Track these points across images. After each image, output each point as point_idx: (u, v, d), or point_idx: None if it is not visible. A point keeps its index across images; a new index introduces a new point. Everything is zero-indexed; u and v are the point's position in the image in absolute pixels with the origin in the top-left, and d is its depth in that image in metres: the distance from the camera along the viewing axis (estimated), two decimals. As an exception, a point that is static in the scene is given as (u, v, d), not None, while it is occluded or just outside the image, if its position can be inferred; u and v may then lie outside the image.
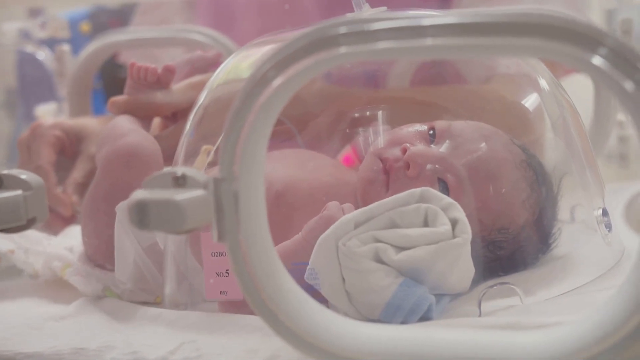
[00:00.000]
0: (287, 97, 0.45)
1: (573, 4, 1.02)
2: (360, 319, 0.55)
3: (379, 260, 0.56)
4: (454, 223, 0.56)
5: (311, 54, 0.44)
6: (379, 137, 0.68)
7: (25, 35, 1.45)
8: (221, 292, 0.61)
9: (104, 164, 0.73)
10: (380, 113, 0.70)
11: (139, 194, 0.44)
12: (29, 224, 0.54)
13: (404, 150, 0.63)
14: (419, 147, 0.63)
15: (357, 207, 0.59)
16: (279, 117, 0.46)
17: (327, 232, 0.56)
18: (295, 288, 0.47)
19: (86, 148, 0.93)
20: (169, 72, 0.81)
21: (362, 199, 0.64)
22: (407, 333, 0.46)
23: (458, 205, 0.57)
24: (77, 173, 0.91)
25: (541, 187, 0.66)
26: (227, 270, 0.61)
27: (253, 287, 0.46)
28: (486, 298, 0.58)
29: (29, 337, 0.63)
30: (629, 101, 0.40)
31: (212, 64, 0.88)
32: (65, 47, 1.21)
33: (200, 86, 0.76)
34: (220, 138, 0.61)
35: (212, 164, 0.68)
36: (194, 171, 0.45)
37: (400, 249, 0.56)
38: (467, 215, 0.57)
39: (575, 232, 0.69)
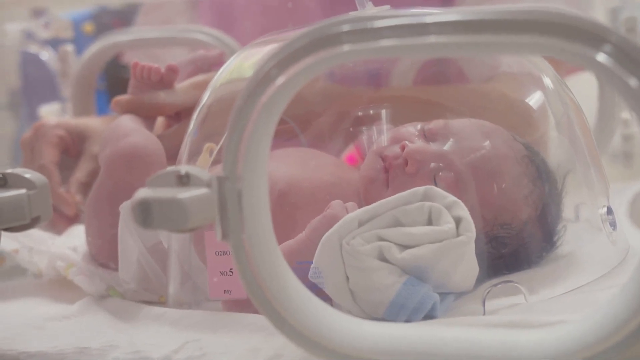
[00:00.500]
0: (290, 95, 0.45)
1: (576, 2, 1.01)
2: (364, 317, 0.55)
3: (383, 258, 0.56)
4: (458, 221, 0.56)
5: (314, 53, 0.44)
6: (381, 136, 0.68)
7: (29, 36, 1.46)
8: (225, 291, 0.61)
9: (107, 164, 0.74)
10: (383, 112, 0.70)
11: (142, 193, 0.44)
12: (33, 223, 0.54)
13: (403, 148, 0.63)
14: (418, 144, 0.64)
15: (360, 206, 0.59)
16: (282, 117, 0.46)
17: (331, 230, 0.56)
18: (299, 286, 0.47)
19: (89, 147, 0.93)
20: (172, 71, 0.81)
21: (364, 197, 0.64)
22: (411, 331, 0.46)
23: (462, 204, 0.57)
24: (80, 172, 0.91)
25: (544, 184, 0.66)
26: (231, 269, 0.61)
27: (257, 286, 0.46)
28: (490, 296, 0.58)
29: (33, 336, 0.63)
30: (633, 98, 0.39)
31: (215, 63, 0.88)
32: (69, 48, 1.21)
33: (203, 85, 0.76)
34: (224, 137, 0.61)
35: (215, 162, 0.68)
36: (197, 170, 0.45)
37: (404, 247, 0.56)
38: (469, 211, 0.56)
39: (580, 231, 0.69)
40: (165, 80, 0.81)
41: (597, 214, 0.68)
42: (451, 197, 0.57)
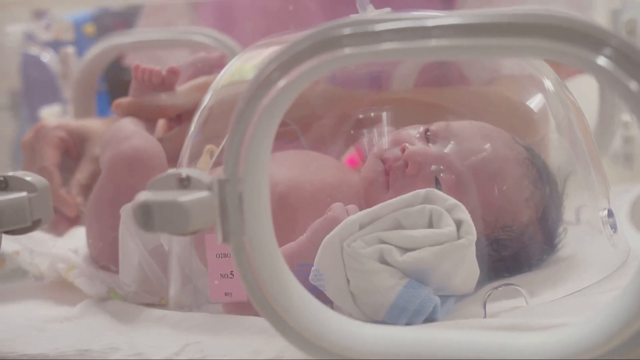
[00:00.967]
0: (292, 98, 0.45)
1: (577, 5, 1.01)
2: (364, 320, 0.55)
3: (384, 261, 0.56)
4: (459, 224, 0.56)
5: (315, 55, 0.44)
6: (381, 138, 0.68)
7: (30, 38, 1.46)
8: (226, 294, 0.61)
9: (108, 167, 0.74)
10: (384, 115, 0.70)
11: (143, 196, 0.44)
12: (34, 226, 0.54)
13: (404, 150, 0.63)
14: (418, 146, 0.64)
15: (360, 209, 0.59)
16: (283, 119, 0.46)
17: (332, 233, 0.56)
18: (300, 289, 0.47)
19: (90, 149, 0.93)
20: (174, 74, 0.81)
21: (365, 199, 0.64)
22: (412, 334, 0.46)
23: (462, 206, 0.57)
24: (81, 175, 0.91)
25: (545, 186, 0.66)
26: (232, 271, 0.61)
27: (257, 288, 0.46)
28: (491, 299, 0.58)
29: (34, 338, 0.63)
30: (634, 101, 0.39)
31: (216, 66, 0.89)
32: (70, 49, 1.21)
33: (204, 87, 0.76)
34: (225, 139, 0.61)
35: (216, 165, 0.68)
36: (198, 172, 0.45)
37: (405, 250, 0.56)
38: (469, 213, 0.57)
39: (580, 233, 0.69)
40: (167, 82, 0.81)
41: (598, 217, 0.68)
42: (452, 200, 0.57)
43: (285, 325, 0.46)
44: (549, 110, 0.72)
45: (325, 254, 0.56)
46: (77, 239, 0.82)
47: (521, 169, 0.65)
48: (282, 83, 0.44)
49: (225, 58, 0.91)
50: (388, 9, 0.67)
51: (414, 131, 0.66)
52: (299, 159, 0.70)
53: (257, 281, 0.46)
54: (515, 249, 0.64)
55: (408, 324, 0.55)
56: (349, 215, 0.58)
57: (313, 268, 0.57)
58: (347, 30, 0.43)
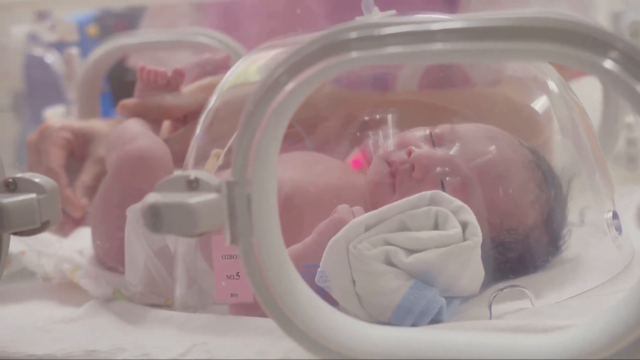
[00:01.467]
0: (299, 101, 0.46)
1: (580, 7, 1.02)
2: (370, 321, 0.55)
3: (390, 263, 0.56)
4: (464, 226, 0.56)
5: (323, 59, 0.44)
6: (387, 140, 0.68)
7: (34, 39, 1.46)
8: (232, 295, 0.62)
9: (114, 168, 0.74)
10: (389, 116, 0.70)
11: (152, 197, 0.45)
12: (43, 227, 0.54)
13: (410, 153, 0.64)
14: (424, 149, 0.64)
15: (366, 210, 0.59)
16: (288, 120, 0.46)
17: (338, 235, 0.57)
18: (307, 290, 0.47)
19: (95, 150, 0.93)
20: (179, 75, 0.81)
21: (371, 201, 0.64)
22: (417, 335, 0.47)
23: (468, 208, 0.57)
24: (86, 176, 0.91)
25: (550, 189, 0.66)
26: (238, 272, 0.61)
27: (265, 289, 0.46)
28: (496, 301, 0.58)
29: (40, 339, 0.63)
30: (640, 105, 0.40)
31: (221, 67, 0.89)
32: (74, 50, 1.21)
33: (209, 89, 0.76)
34: (231, 141, 0.62)
35: (222, 168, 0.68)
36: (206, 175, 0.46)
37: (411, 251, 0.56)
38: (474, 215, 0.57)
39: (585, 235, 0.69)
40: (172, 83, 0.81)
41: (603, 218, 0.68)
42: (458, 202, 0.57)
43: (292, 326, 0.47)
44: (553, 111, 0.72)
45: (331, 255, 0.57)
46: (82, 240, 0.82)
47: (526, 172, 0.65)
48: (290, 86, 0.44)
49: (230, 59, 0.91)
50: (393, 12, 0.67)
51: (420, 133, 0.66)
52: (304, 161, 0.70)
53: (265, 282, 0.46)
54: (520, 251, 0.64)
55: (414, 325, 0.55)
56: (354, 217, 0.58)
57: (319, 269, 0.57)
58: (354, 34, 0.43)
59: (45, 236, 0.79)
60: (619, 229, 0.68)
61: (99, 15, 1.68)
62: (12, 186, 0.53)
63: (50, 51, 1.42)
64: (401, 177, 0.64)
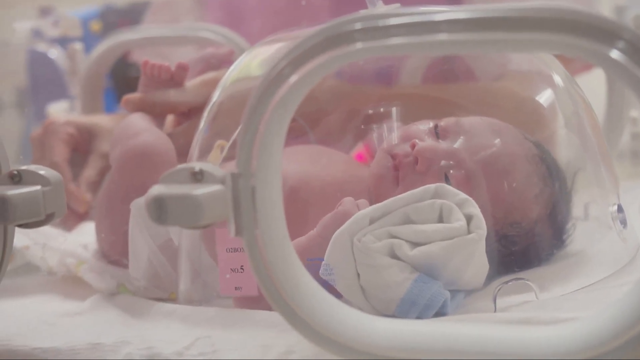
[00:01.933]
0: (303, 93, 0.45)
1: (583, 0, 1.01)
2: (375, 314, 0.55)
3: (394, 256, 0.56)
4: (469, 219, 0.56)
5: (327, 51, 0.44)
6: (390, 134, 0.68)
7: (37, 34, 1.46)
8: (236, 288, 0.62)
9: (118, 163, 0.74)
10: (392, 110, 0.70)
11: (156, 189, 0.45)
12: (47, 219, 0.54)
13: (413, 146, 0.63)
14: (428, 142, 0.64)
15: (370, 203, 0.59)
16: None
17: (342, 227, 0.57)
18: (312, 282, 0.47)
19: (98, 145, 0.93)
20: (183, 69, 0.81)
21: (375, 194, 0.64)
22: (422, 328, 0.47)
23: (473, 201, 0.57)
24: (90, 171, 0.92)
25: (554, 183, 0.66)
26: (242, 266, 0.61)
27: (270, 282, 0.46)
28: (501, 294, 0.58)
29: (45, 332, 0.63)
30: (647, 95, 0.39)
31: (224, 61, 0.89)
32: (77, 46, 1.21)
33: (213, 83, 0.76)
34: (235, 134, 0.62)
35: (226, 159, 0.68)
36: (211, 166, 0.46)
37: (415, 244, 0.56)
38: (479, 209, 0.57)
39: (590, 229, 0.69)
40: (176, 78, 0.81)
41: (608, 212, 0.68)
42: (462, 195, 0.57)
43: (297, 319, 0.46)
44: (558, 105, 0.72)
45: (336, 248, 0.57)
46: (86, 234, 0.82)
47: (531, 165, 0.65)
48: (294, 78, 0.44)
49: (234, 54, 0.91)
50: (397, 5, 0.67)
51: (424, 127, 0.66)
52: (309, 154, 0.70)
53: (270, 274, 0.46)
54: (524, 244, 0.64)
55: (418, 318, 0.55)
56: (359, 210, 0.58)
57: (323, 262, 0.57)
58: (358, 26, 0.43)
59: (48, 230, 0.80)
60: (623, 223, 0.68)
61: (102, 11, 1.68)
62: (16, 178, 0.53)
63: (53, 47, 1.43)
64: (405, 170, 0.63)
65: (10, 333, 0.63)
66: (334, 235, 0.57)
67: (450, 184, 0.60)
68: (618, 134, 0.98)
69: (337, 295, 0.56)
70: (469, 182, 0.62)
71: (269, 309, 0.50)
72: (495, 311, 0.57)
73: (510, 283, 0.59)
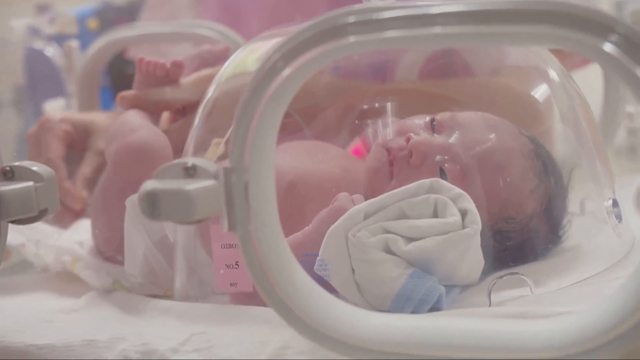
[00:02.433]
0: (297, 87, 0.45)
1: None
2: (370, 310, 0.55)
3: (389, 251, 0.56)
4: (464, 214, 0.56)
5: (320, 44, 0.44)
6: (386, 128, 0.68)
7: (34, 32, 1.46)
8: (231, 284, 0.61)
9: (114, 160, 0.74)
10: (388, 105, 0.70)
11: (149, 184, 0.45)
12: (40, 215, 0.54)
13: (408, 140, 0.63)
14: (423, 136, 0.64)
15: (366, 198, 0.59)
16: (287, 110, 0.46)
17: (337, 223, 0.56)
18: (306, 278, 0.47)
19: (94, 143, 0.93)
20: (178, 66, 0.81)
21: (369, 189, 0.64)
22: (418, 323, 0.47)
23: (467, 196, 0.57)
24: (86, 168, 0.91)
25: (550, 178, 0.66)
26: (237, 262, 0.61)
27: (264, 277, 0.46)
28: (496, 288, 0.58)
29: (41, 329, 0.63)
30: (640, 88, 0.39)
31: (220, 58, 0.88)
32: (74, 43, 1.21)
33: (208, 80, 0.76)
34: (230, 130, 0.61)
35: (222, 157, 0.68)
36: (204, 161, 0.45)
37: (410, 239, 0.56)
38: (474, 204, 0.56)
39: (586, 224, 0.68)
40: (171, 75, 0.81)
41: (603, 207, 0.68)
42: (457, 190, 0.57)
43: (291, 314, 0.46)
44: (553, 100, 0.72)
45: (331, 243, 0.56)
46: (82, 232, 0.82)
47: (526, 160, 0.65)
48: (287, 72, 0.44)
49: (230, 51, 0.91)
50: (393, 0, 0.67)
51: (419, 121, 0.66)
52: (305, 149, 0.70)
53: (263, 269, 0.46)
54: (519, 240, 0.64)
55: (413, 313, 0.55)
56: (354, 205, 0.58)
57: (318, 258, 0.57)
58: (351, 19, 0.43)
59: (44, 227, 0.79)
60: (618, 217, 0.68)
61: (99, 9, 1.68)
62: (9, 174, 0.53)
63: (50, 44, 1.42)
64: (399, 164, 0.63)
65: (6, 329, 0.62)
66: (328, 231, 0.57)
67: (445, 179, 0.60)
68: (614, 129, 0.98)
69: (332, 291, 0.56)
70: (464, 177, 0.62)
71: (265, 304, 0.50)
72: (490, 306, 0.57)
73: (505, 278, 0.58)
